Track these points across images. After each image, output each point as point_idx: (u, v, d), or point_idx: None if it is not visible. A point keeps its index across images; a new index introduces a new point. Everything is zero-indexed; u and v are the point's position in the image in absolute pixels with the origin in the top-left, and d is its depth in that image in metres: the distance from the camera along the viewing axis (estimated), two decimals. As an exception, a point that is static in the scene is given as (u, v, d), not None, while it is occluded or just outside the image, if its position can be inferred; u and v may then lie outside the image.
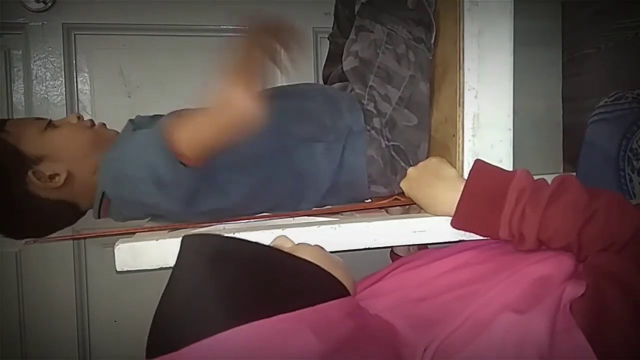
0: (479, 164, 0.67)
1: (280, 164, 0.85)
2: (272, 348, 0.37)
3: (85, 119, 0.89)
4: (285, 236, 0.52)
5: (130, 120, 0.90)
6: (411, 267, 0.63)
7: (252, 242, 0.45)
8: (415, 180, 0.74)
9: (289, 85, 0.99)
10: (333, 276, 0.46)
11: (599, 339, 0.44)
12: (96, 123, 0.89)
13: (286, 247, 0.50)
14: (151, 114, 0.93)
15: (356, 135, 0.88)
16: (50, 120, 0.84)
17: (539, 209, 0.58)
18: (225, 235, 0.45)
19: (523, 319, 0.47)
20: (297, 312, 0.39)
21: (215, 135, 0.70)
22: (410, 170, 0.75)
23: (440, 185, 0.70)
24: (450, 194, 0.67)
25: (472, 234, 0.67)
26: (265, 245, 0.46)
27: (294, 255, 0.46)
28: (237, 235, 0.69)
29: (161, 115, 0.92)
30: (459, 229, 0.67)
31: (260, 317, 0.38)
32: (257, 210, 0.87)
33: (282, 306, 0.39)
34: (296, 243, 0.51)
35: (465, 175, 0.67)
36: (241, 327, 0.37)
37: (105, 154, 0.79)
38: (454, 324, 0.49)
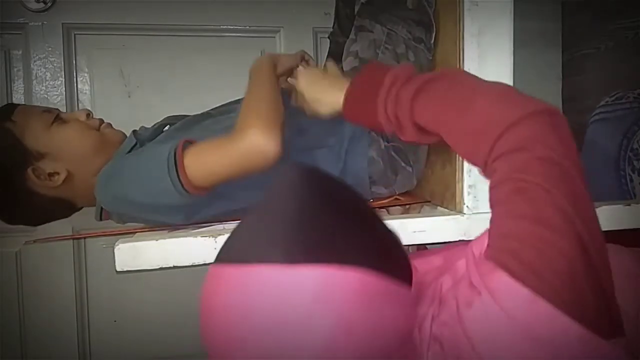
0: (372, 62, 0.73)
1: None
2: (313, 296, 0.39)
3: (94, 116, 0.88)
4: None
5: (134, 132, 0.89)
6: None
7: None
8: (312, 77, 0.79)
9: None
10: (406, 255, 0.48)
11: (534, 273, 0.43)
12: (104, 123, 0.89)
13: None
14: (153, 125, 0.92)
15: (358, 138, 0.88)
16: (59, 114, 0.84)
17: (411, 93, 0.60)
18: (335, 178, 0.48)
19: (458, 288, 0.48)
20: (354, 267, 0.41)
21: (227, 172, 0.73)
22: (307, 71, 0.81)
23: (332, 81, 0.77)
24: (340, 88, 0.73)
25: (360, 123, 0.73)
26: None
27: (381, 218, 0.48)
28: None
29: (163, 126, 0.92)
30: (349, 120, 0.74)
31: (319, 260, 0.39)
32: None
33: (342, 256, 0.40)
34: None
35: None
36: (297, 267, 0.39)
37: (104, 169, 0.79)
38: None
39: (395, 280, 0.44)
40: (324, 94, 0.76)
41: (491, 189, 0.51)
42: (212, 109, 0.95)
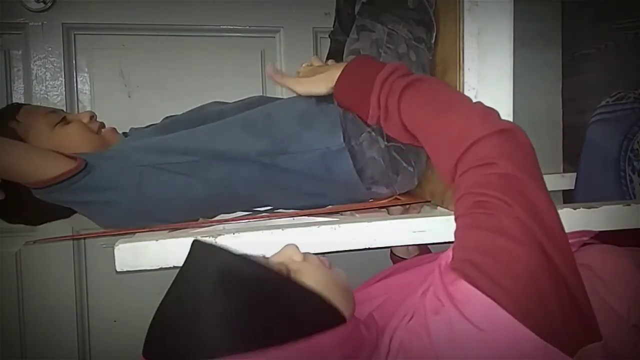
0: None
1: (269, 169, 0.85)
2: None
3: (97, 119, 0.90)
4: (295, 247, 0.53)
5: (124, 134, 0.91)
6: (398, 271, 0.66)
7: (259, 264, 0.45)
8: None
9: (260, 104, 0.94)
10: (332, 305, 0.47)
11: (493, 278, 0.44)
12: (106, 127, 0.90)
13: (295, 259, 0.51)
14: (149, 126, 0.93)
15: (336, 153, 0.84)
16: (65, 116, 0.85)
17: (403, 84, 0.64)
18: (235, 253, 0.45)
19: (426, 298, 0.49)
20: (290, 345, 0.40)
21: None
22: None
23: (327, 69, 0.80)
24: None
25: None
26: (272, 271, 0.46)
27: (298, 284, 0.47)
28: (237, 235, 0.69)
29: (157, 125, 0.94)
30: (338, 97, 0.75)
31: (254, 348, 0.39)
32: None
33: (277, 338, 0.40)
34: (303, 258, 0.52)
35: None
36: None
37: None
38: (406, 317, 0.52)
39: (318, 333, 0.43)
40: (324, 72, 0.79)
41: (455, 203, 0.53)
42: (192, 109, 0.96)
